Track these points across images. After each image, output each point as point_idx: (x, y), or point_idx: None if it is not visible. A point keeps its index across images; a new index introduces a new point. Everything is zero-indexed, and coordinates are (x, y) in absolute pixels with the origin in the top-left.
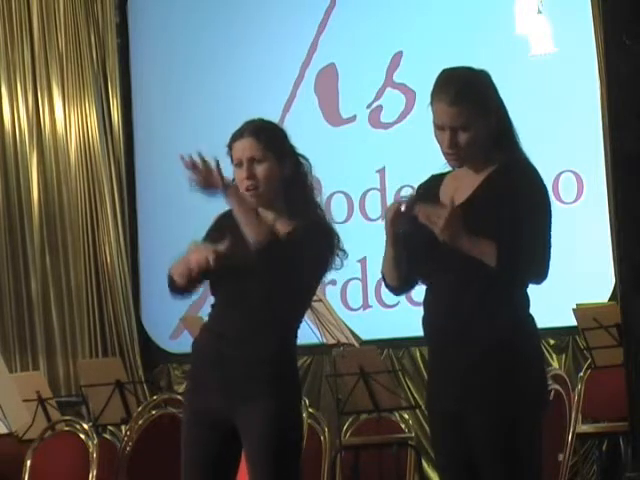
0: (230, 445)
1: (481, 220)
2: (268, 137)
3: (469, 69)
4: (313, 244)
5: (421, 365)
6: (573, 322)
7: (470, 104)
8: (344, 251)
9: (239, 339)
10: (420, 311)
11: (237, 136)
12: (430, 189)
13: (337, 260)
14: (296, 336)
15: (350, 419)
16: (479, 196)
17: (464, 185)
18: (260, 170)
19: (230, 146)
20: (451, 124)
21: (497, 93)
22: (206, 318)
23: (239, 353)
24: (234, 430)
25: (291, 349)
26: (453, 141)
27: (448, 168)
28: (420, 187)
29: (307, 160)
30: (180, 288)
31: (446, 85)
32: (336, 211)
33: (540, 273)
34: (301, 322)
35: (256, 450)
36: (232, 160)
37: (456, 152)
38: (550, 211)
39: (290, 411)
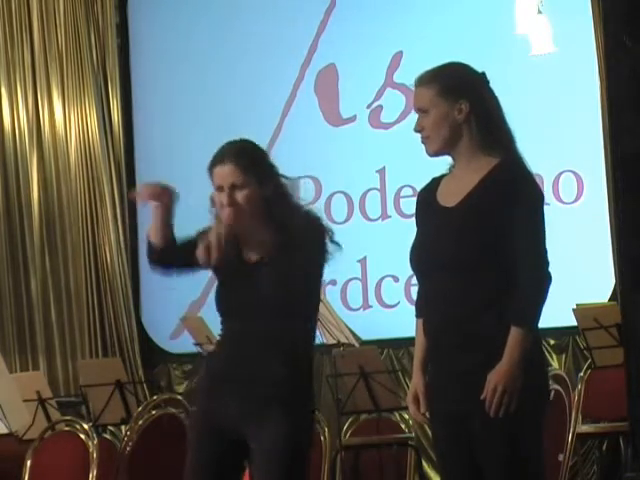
0: (238, 456)
1: (476, 222)
2: (248, 161)
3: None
4: (302, 250)
5: None
6: (573, 322)
7: None
8: (337, 244)
9: (251, 359)
10: None
11: (217, 161)
12: (429, 192)
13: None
14: (312, 353)
15: (350, 419)
16: (474, 198)
17: (460, 187)
18: (241, 196)
19: (210, 170)
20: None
21: None
22: (205, 318)
23: (253, 373)
24: (244, 442)
25: (306, 366)
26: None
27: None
28: (420, 192)
29: (290, 180)
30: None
31: None
32: (336, 211)
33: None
34: (314, 337)
35: (267, 467)
36: (213, 183)
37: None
38: (543, 213)
39: (303, 430)
